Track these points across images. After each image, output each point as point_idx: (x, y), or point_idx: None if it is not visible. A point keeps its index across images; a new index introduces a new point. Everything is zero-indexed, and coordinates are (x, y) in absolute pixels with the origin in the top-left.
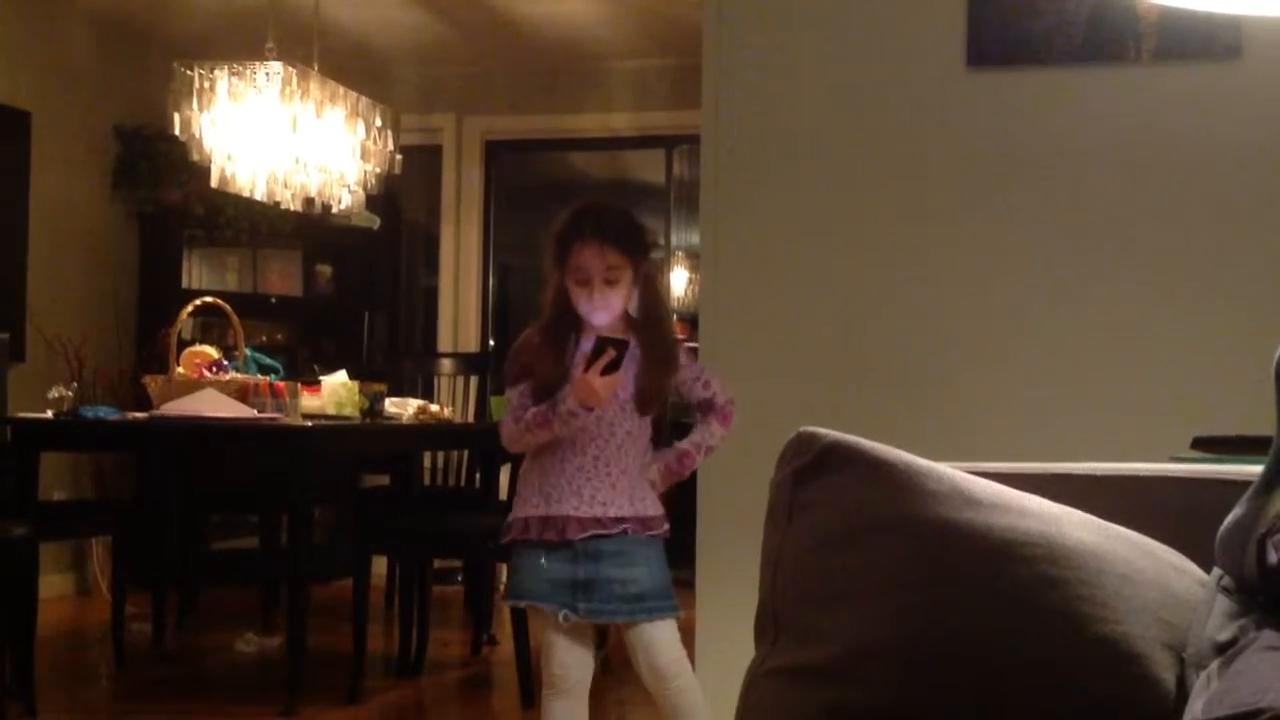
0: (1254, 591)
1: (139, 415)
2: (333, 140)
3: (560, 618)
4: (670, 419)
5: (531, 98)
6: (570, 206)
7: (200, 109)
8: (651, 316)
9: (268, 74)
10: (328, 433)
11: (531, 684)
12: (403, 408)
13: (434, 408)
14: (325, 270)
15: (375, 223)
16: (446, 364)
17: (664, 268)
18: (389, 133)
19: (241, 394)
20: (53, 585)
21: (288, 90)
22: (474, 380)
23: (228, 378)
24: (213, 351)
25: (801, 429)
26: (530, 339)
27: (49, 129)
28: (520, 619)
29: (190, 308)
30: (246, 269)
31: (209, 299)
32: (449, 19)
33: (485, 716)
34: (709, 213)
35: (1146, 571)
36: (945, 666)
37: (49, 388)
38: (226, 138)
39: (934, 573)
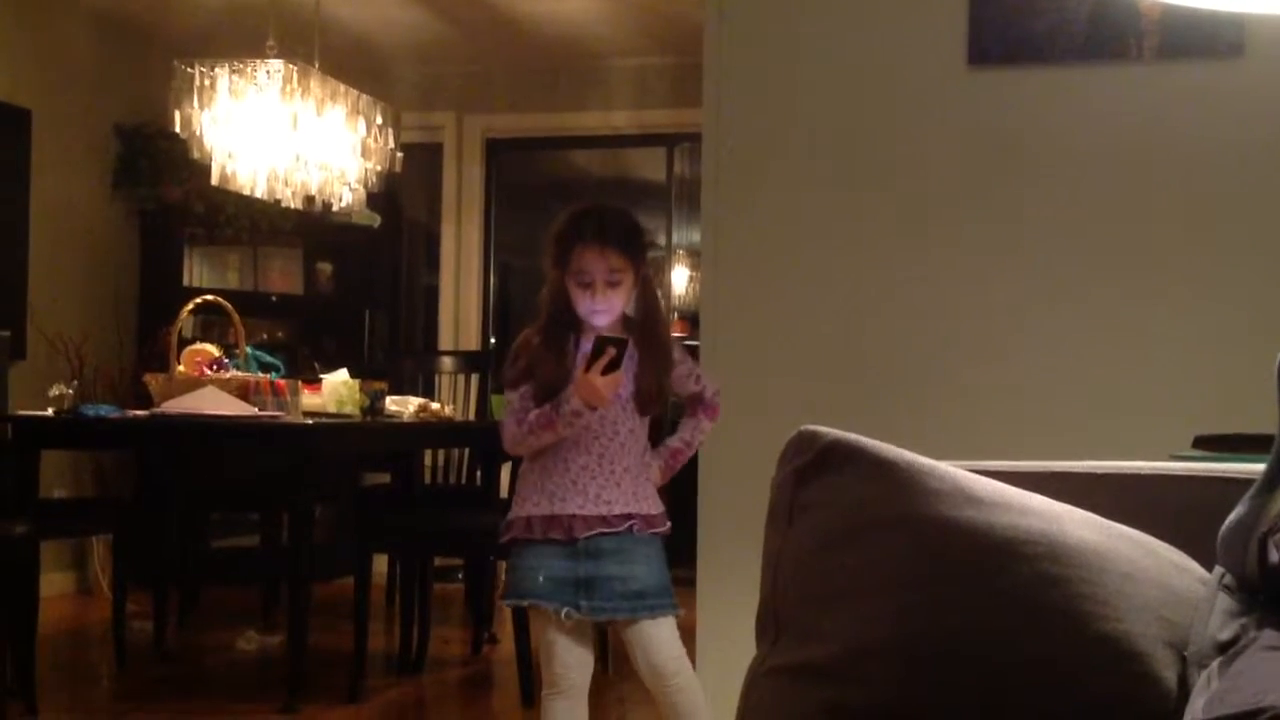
0: (1255, 590)
1: (140, 413)
2: (333, 138)
3: (562, 616)
4: (670, 417)
5: (532, 96)
6: (570, 208)
7: (201, 107)
8: (649, 317)
9: (268, 72)
10: (329, 431)
11: (532, 683)
12: (403, 406)
13: (435, 406)
14: (326, 268)
15: (376, 221)
16: (447, 362)
17: (665, 266)
18: (390, 131)
19: (242, 392)
20: (54, 584)
21: (288, 88)
22: (474, 378)
23: (228, 376)
24: (213, 349)
25: (802, 428)
26: (529, 340)
27: (50, 127)
28: (521, 618)
29: (191, 306)
30: (247, 267)
31: (210, 297)
32: (449, 17)
33: (486, 715)
34: (710, 211)
35: (1148, 570)
36: (946, 665)
37: (50, 386)
38: (227, 135)
39: (935, 571)
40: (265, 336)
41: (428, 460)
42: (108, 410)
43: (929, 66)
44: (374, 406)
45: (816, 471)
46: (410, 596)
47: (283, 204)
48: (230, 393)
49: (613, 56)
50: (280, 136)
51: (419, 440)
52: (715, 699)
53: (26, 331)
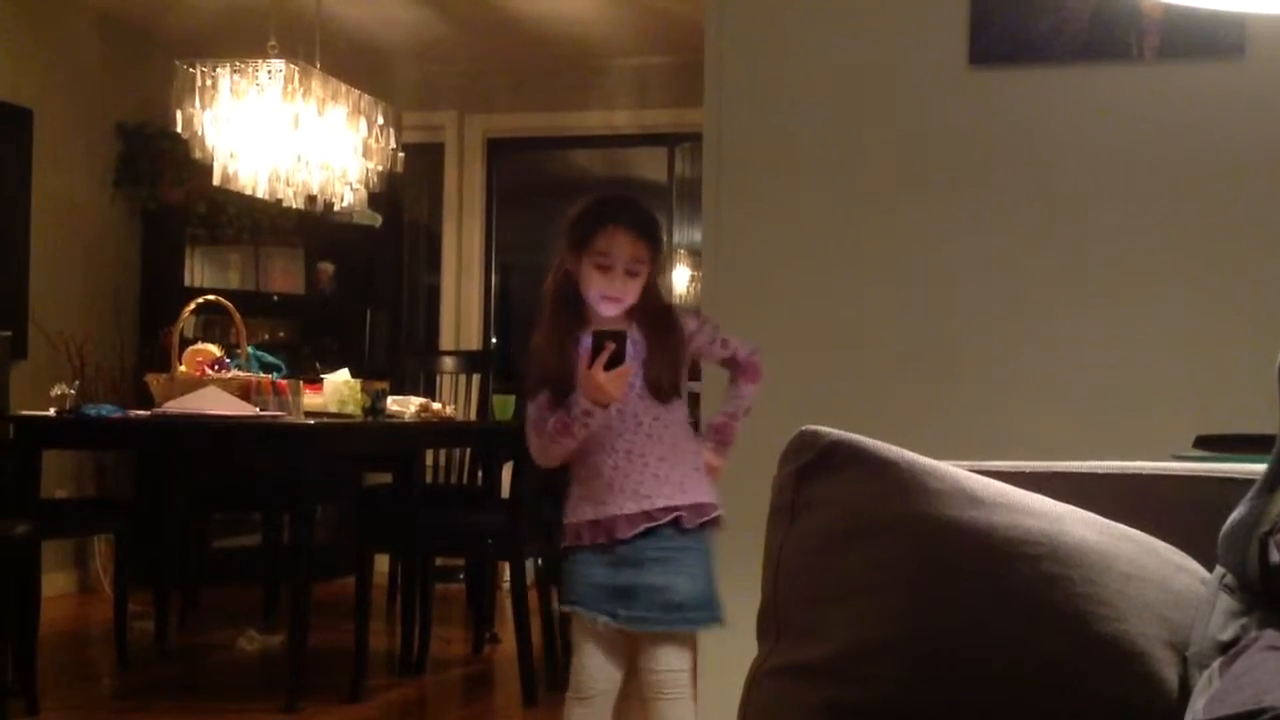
0: (1256, 590)
1: (141, 413)
2: (335, 138)
3: (598, 624)
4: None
5: (534, 95)
6: (594, 194)
7: (202, 107)
8: (650, 303)
9: (270, 72)
10: (330, 431)
11: (534, 682)
12: (405, 406)
13: (436, 406)
14: (327, 268)
15: (377, 220)
16: (448, 362)
17: (666, 265)
18: (391, 130)
19: (244, 392)
20: (55, 583)
21: (290, 88)
22: (476, 378)
23: (230, 376)
24: (215, 349)
25: (803, 427)
26: (538, 346)
27: (51, 127)
28: (523, 617)
29: (192, 306)
30: (249, 267)
31: (211, 297)
32: (451, 16)
33: (487, 714)
34: (711, 211)
35: (1149, 570)
36: (947, 665)
37: (51, 385)
38: (229, 135)
39: (936, 571)
40: (267, 336)
41: (429, 460)
42: (109, 410)
43: (930, 66)
44: (375, 406)
45: (818, 471)
46: (411, 596)
47: (284, 204)
48: (232, 393)
49: (614, 56)
50: (282, 136)
51: (420, 440)
52: (717, 699)
53: (28, 331)
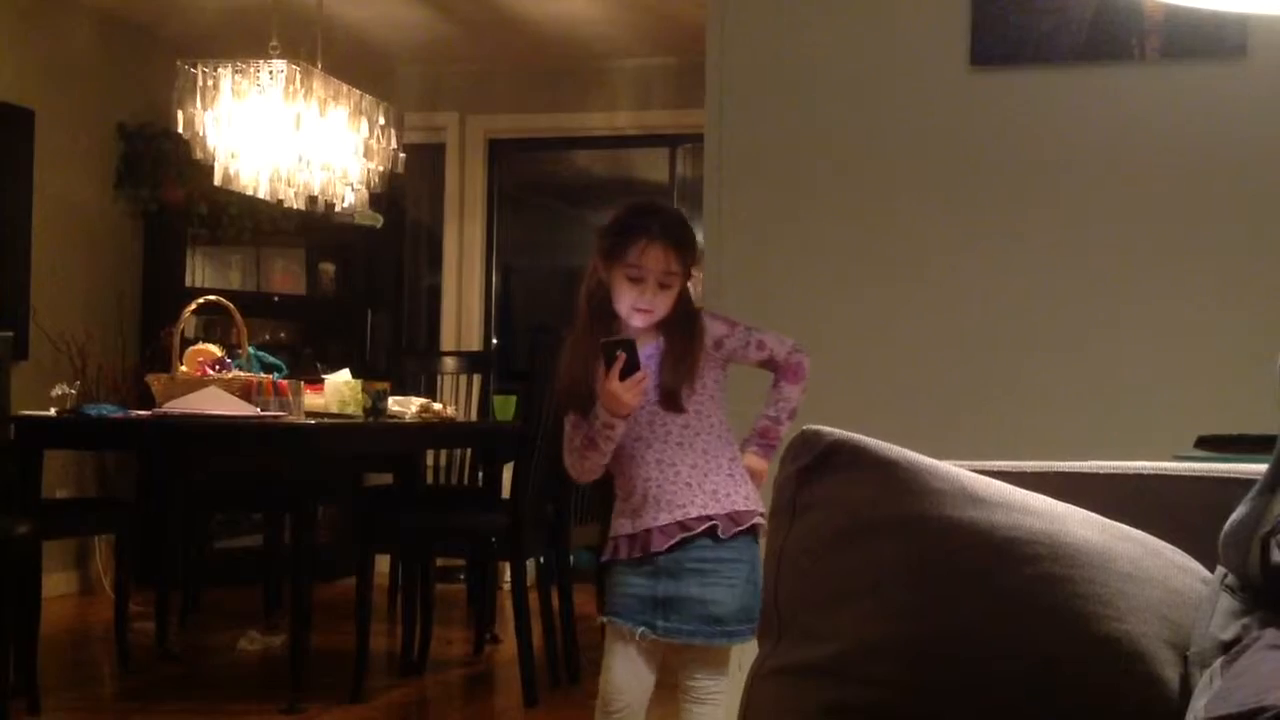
0: (1257, 590)
1: (142, 413)
2: (336, 138)
3: (638, 635)
4: None
5: (535, 96)
6: (627, 203)
7: (204, 107)
8: (676, 316)
9: (271, 72)
10: (331, 431)
11: (535, 683)
12: (406, 406)
13: (437, 406)
14: (328, 269)
15: (378, 221)
16: (450, 362)
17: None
18: (392, 131)
19: (245, 392)
20: (56, 583)
21: (291, 88)
22: (477, 379)
23: (231, 376)
24: (216, 350)
25: (805, 427)
26: (565, 360)
27: (52, 127)
28: (524, 617)
29: (193, 306)
30: (250, 267)
31: (212, 297)
32: (453, 17)
33: (488, 715)
34: (712, 212)
35: (1150, 570)
36: (949, 665)
37: (52, 385)
38: (230, 136)
39: (937, 571)
40: (268, 337)
41: (430, 460)
42: (110, 410)
43: (931, 67)
44: (376, 407)
45: (819, 471)
46: (412, 597)
47: (285, 204)
48: (233, 393)
49: (615, 57)
50: (283, 137)
51: (421, 440)
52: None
53: (29, 331)
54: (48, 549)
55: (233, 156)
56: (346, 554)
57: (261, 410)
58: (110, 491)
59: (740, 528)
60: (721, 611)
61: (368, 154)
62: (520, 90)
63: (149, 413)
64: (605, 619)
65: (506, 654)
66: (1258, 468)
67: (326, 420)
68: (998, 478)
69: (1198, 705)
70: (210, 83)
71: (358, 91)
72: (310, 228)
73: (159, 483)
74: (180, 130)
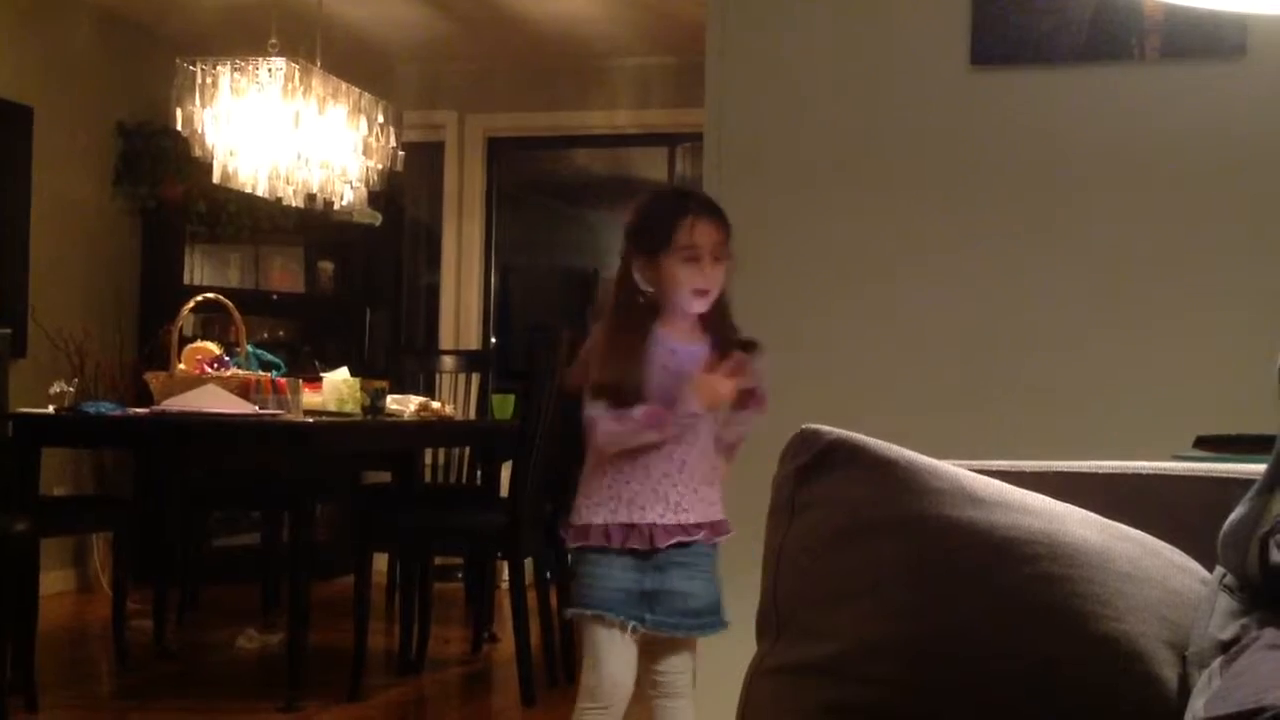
0: (1256, 590)
1: (140, 411)
2: (335, 136)
3: (629, 630)
4: None
5: (534, 95)
6: (651, 193)
7: (203, 105)
8: (721, 322)
9: (270, 70)
10: (329, 429)
11: (532, 682)
12: (404, 405)
13: (435, 405)
14: (327, 267)
15: (377, 219)
16: (448, 361)
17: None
18: (391, 129)
19: (243, 390)
20: (54, 581)
21: (290, 86)
22: (475, 377)
23: (229, 374)
24: (214, 348)
25: (804, 426)
26: (600, 354)
27: (51, 124)
28: (523, 618)
29: (192, 304)
30: (248, 265)
31: (211, 295)
32: (452, 15)
33: (485, 714)
34: None
35: (1149, 570)
36: (947, 664)
37: (50, 383)
38: (229, 134)
39: (936, 570)
40: (266, 335)
41: (428, 459)
42: (108, 408)
43: (931, 66)
44: (375, 405)
45: (817, 470)
46: (410, 595)
47: (284, 202)
48: (231, 391)
49: (615, 56)
50: (282, 135)
51: (420, 439)
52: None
53: (27, 329)
54: (46, 546)
55: (231, 154)
56: (345, 552)
57: (260, 408)
58: (108, 489)
59: (718, 537)
60: (699, 605)
61: (366, 152)
62: (519, 89)
63: (147, 410)
64: (589, 612)
65: (504, 653)
66: (1257, 468)
67: (325, 419)
68: (996, 477)
69: (1196, 705)
70: (209, 80)
71: (357, 89)
72: (309, 226)
73: (157, 480)
74: (179, 128)
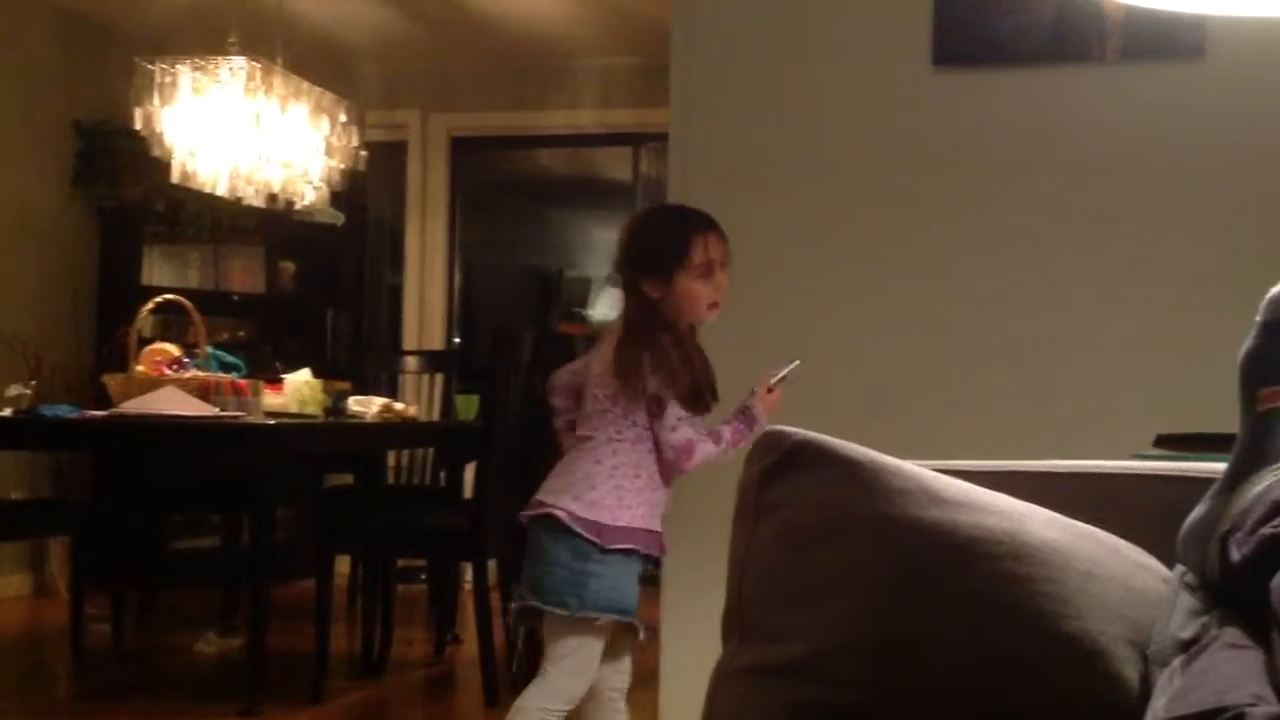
0: (1216, 588)
1: (98, 414)
2: (296, 136)
3: (641, 636)
4: None
5: (498, 94)
6: (653, 212)
7: (162, 104)
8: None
9: (230, 69)
10: (291, 431)
11: (496, 683)
12: (367, 406)
13: (399, 406)
14: (288, 267)
15: (339, 219)
16: (411, 362)
17: None
18: (353, 129)
19: (203, 392)
20: (10, 585)
21: (251, 85)
22: (439, 378)
23: (189, 376)
24: (173, 349)
25: (769, 428)
26: (678, 366)
27: (7, 124)
28: (486, 618)
29: (151, 305)
30: (208, 266)
31: (170, 296)
32: (414, 14)
33: (449, 716)
34: None
35: (1110, 568)
36: (911, 664)
37: (7, 386)
38: (188, 133)
39: (900, 571)
40: (226, 336)
41: (391, 461)
42: (66, 410)
43: (894, 67)
44: (337, 407)
45: (782, 471)
46: (373, 597)
47: (245, 202)
48: (191, 393)
49: (579, 55)
50: (243, 134)
51: (382, 441)
52: (680, 700)
53: None
54: (2, 550)
55: (191, 154)
56: (306, 555)
57: (220, 410)
58: (65, 493)
59: None
60: None
61: (329, 152)
62: (483, 88)
63: (105, 413)
64: (612, 616)
65: (468, 654)
66: (1217, 466)
67: (286, 420)
68: (960, 477)
69: (1158, 704)
70: (169, 79)
71: (318, 89)
72: (270, 226)
73: (115, 484)
74: (138, 127)
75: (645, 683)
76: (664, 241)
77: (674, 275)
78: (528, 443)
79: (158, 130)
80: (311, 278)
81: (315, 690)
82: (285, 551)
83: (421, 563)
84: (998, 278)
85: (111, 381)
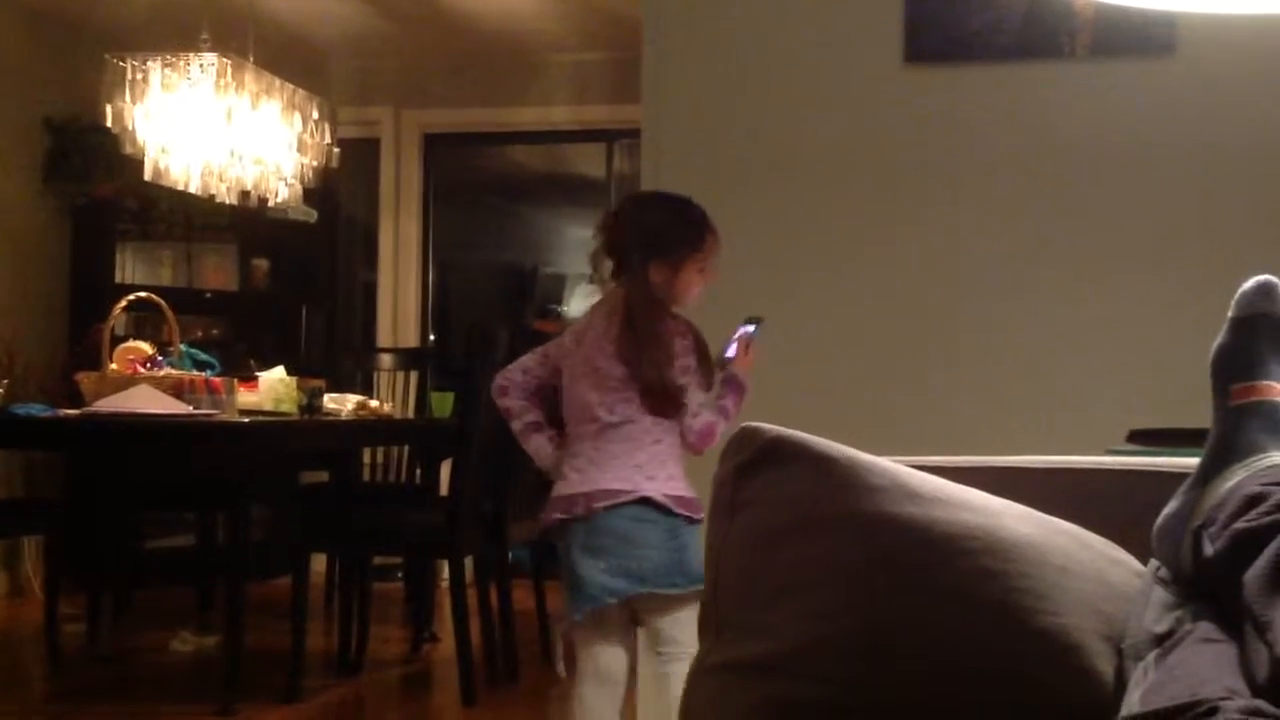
0: (1189, 583)
1: (71, 412)
2: (269, 133)
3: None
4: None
5: (470, 91)
6: (667, 197)
7: (133, 101)
8: None
9: (202, 65)
10: (265, 429)
11: (473, 681)
12: (341, 404)
13: (373, 403)
14: (262, 264)
15: (312, 216)
16: (386, 359)
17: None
18: (326, 125)
19: (176, 390)
20: None
21: (222, 82)
22: (414, 375)
23: (162, 374)
24: (147, 347)
25: (744, 424)
26: (697, 351)
27: None
28: (463, 616)
29: (124, 303)
30: (181, 263)
31: (143, 294)
32: (387, 11)
33: (425, 714)
34: None
35: (1085, 563)
36: (886, 659)
37: None
38: (160, 130)
39: (875, 567)
40: (200, 334)
41: (367, 458)
42: (38, 409)
43: (866, 64)
44: (311, 404)
45: (757, 468)
46: (349, 596)
47: (217, 199)
48: (164, 391)
49: (552, 51)
50: (214, 131)
51: (357, 438)
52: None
53: None
54: None
55: (163, 151)
56: (282, 553)
57: (194, 408)
58: (39, 492)
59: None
60: None
61: (301, 148)
62: (455, 84)
63: (78, 412)
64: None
65: (445, 652)
66: (1189, 461)
67: (260, 418)
68: (934, 473)
69: (1132, 698)
70: (139, 76)
71: (290, 85)
72: (242, 223)
73: (89, 482)
74: (109, 124)
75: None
76: (681, 228)
77: (683, 263)
78: (503, 440)
79: (129, 127)
80: (285, 275)
81: (291, 689)
82: (261, 549)
83: (397, 560)
84: (968, 274)
85: (85, 380)
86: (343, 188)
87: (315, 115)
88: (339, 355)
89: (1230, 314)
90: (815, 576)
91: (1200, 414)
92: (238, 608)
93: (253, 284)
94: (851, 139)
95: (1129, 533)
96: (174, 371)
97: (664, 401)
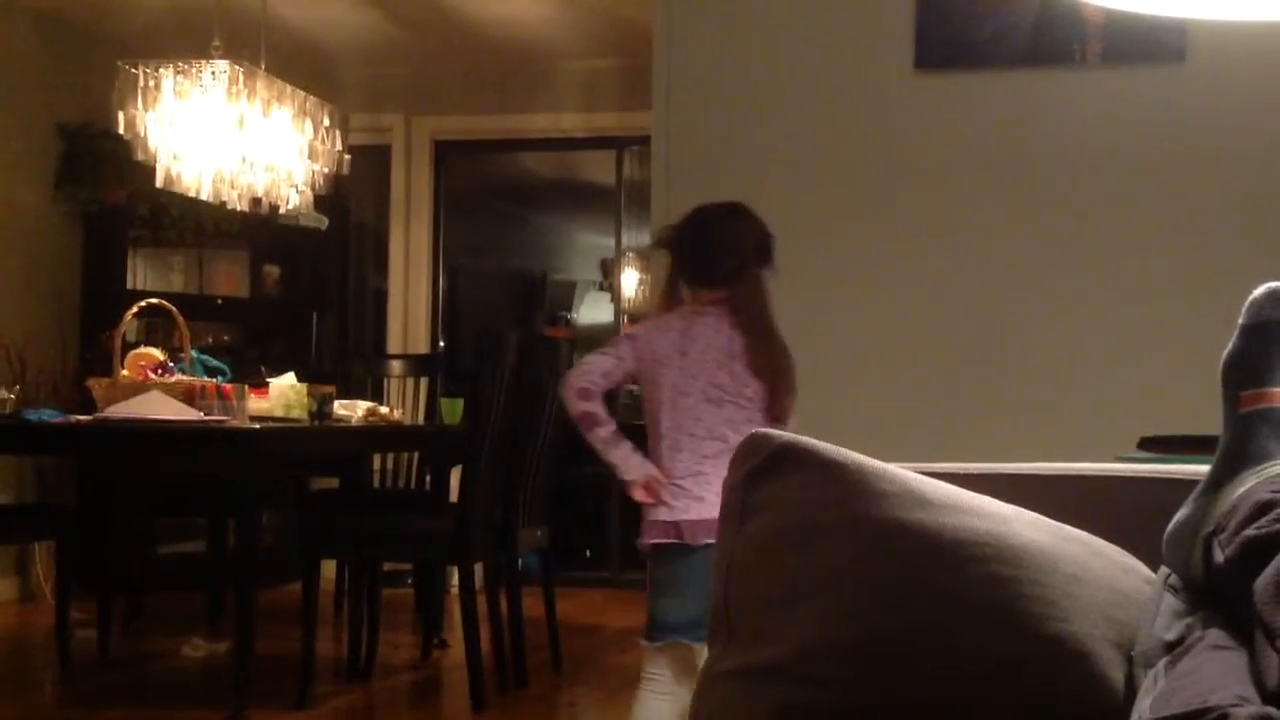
0: (1200, 590)
1: (83, 418)
2: (280, 140)
3: None
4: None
5: (481, 98)
6: (740, 207)
7: (145, 108)
8: None
9: (214, 73)
10: (276, 435)
11: (483, 687)
12: (352, 410)
13: (383, 409)
14: (273, 271)
15: (323, 223)
16: (396, 365)
17: (615, 269)
18: (337, 132)
19: (188, 396)
20: None
21: (234, 89)
22: (424, 382)
23: (173, 380)
24: (158, 353)
25: (753, 430)
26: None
27: None
28: (472, 622)
29: (135, 309)
30: (192, 270)
31: (154, 300)
32: (398, 18)
33: None
34: (659, 214)
35: (1095, 570)
36: (896, 666)
37: None
38: (172, 137)
39: (885, 573)
40: (211, 340)
41: (377, 464)
42: (50, 414)
43: (877, 70)
44: (322, 410)
45: (768, 474)
46: (359, 602)
47: (228, 206)
48: (175, 397)
49: (562, 59)
50: (226, 138)
51: (368, 444)
52: None
53: None
54: None
55: (175, 158)
56: (292, 559)
57: (205, 414)
58: (50, 497)
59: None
60: None
61: (312, 155)
62: (466, 92)
63: (90, 417)
64: None
65: (454, 659)
66: (1200, 468)
67: (271, 424)
68: (944, 479)
69: (1142, 705)
70: (152, 83)
71: (302, 92)
72: (254, 230)
73: (100, 488)
74: (121, 131)
75: (632, 683)
76: (770, 242)
77: (761, 267)
78: (513, 446)
79: (141, 134)
80: (296, 281)
81: (302, 694)
82: (271, 555)
83: (407, 567)
84: (979, 280)
85: (96, 386)
86: (353, 194)
87: (326, 122)
88: (349, 361)
89: (1240, 321)
90: (825, 582)
91: (1211, 421)
92: (248, 613)
93: (263, 290)
94: (861, 146)
95: (1139, 540)
96: (185, 377)
97: (783, 424)
